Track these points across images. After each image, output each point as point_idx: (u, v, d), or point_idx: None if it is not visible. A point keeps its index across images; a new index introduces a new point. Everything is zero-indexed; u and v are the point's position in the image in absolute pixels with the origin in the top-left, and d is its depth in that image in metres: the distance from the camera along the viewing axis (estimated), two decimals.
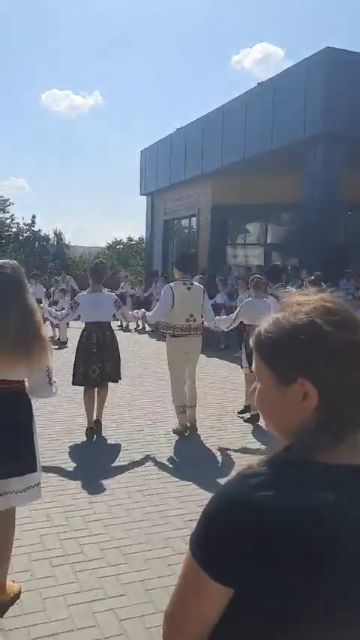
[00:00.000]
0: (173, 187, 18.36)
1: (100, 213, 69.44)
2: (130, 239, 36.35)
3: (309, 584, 0.80)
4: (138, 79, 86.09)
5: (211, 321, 5.88)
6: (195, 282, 5.80)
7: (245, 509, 0.81)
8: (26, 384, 2.70)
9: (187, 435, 5.60)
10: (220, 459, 4.98)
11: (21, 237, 28.69)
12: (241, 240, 17.67)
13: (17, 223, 29.05)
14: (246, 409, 6.29)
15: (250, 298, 6.27)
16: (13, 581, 2.84)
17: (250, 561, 0.80)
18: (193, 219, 17.83)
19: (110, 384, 5.70)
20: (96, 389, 5.55)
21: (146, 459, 4.91)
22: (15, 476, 2.60)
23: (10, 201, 29.75)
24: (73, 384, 5.54)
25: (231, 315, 6.18)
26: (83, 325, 5.58)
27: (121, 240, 36.91)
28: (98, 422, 5.55)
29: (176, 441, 5.42)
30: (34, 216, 28.96)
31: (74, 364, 5.48)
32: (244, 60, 61.69)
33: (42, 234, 29.63)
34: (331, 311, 0.88)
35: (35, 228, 29.10)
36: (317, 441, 0.85)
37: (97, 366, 5.37)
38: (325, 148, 11.17)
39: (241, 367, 6.53)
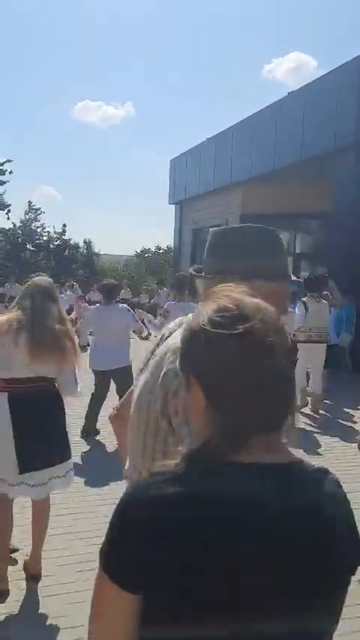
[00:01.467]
0: (202, 196, 18.42)
1: (130, 221, 70.16)
2: (158, 247, 36.62)
3: (218, 577, 0.78)
4: (170, 90, 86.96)
5: None
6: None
7: (149, 505, 0.81)
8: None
9: None
10: None
11: (52, 246, 29.16)
12: None
13: (48, 232, 29.56)
14: None
15: None
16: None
17: (157, 558, 0.79)
18: None
19: None
20: None
21: None
22: (59, 463, 2.94)
23: (42, 210, 30.31)
24: None
25: None
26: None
27: (149, 248, 37.24)
28: None
29: None
30: (64, 225, 29.41)
31: None
32: (275, 70, 61.61)
33: (72, 242, 30.08)
34: (221, 309, 0.87)
35: (65, 237, 29.55)
36: (220, 442, 0.84)
37: None
38: (356, 157, 11.07)
39: None
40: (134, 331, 5.83)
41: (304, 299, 7.14)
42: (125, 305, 6.29)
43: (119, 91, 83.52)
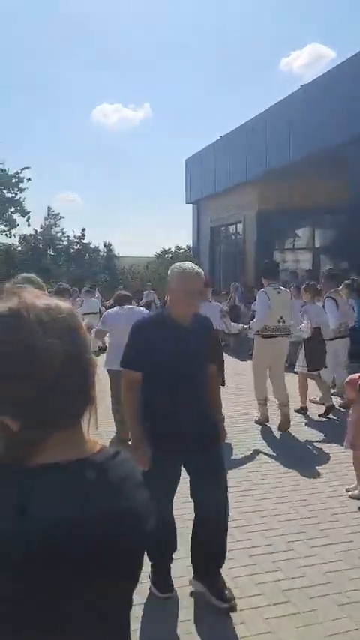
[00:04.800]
0: (218, 195, 18.35)
1: (149, 223, 70.32)
2: (178, 248, 36.59)
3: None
4: (187, 89, 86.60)
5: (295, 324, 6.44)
6: (282, 287, 6.37)
7: None
8: None
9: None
10: (257, 461, 4.90)
11: (72, 250, 29.40)
12: (290, 244, 17.43)
13: (68, 237, 29.80)
14: (303, 410, 6.75)
15: (309, 304, 6.85)
16: None
17: None
18: (240, 225, 17.75)
19: None
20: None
21: None
22: None
23: (61, 215, 30.58)
24: None
25: (306, 323, 6.64)
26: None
27: (169, 249, 37.23)
28: None
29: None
30: (83, 229, 29.59)
31: None
32: (293, 63, 60.46)
33: (92, 246, 30.25)
34: (10, 313, 0.88)
35: (85, 241, 29.74)
36: (15, 443, 0.86)
37: None
38: None
39: (297, 367, 6.84)
40: None
41: (332, 295, 7.04)
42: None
43: (136, 93, 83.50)
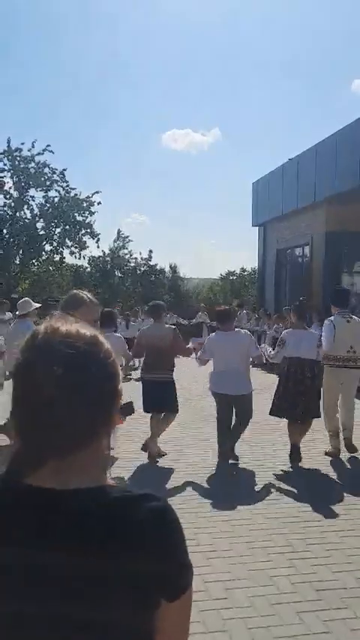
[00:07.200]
0: (285, 217, 18.23)
1: (215, 245, 70.89)
2: (243, 270, 36.58)
3: None
4: (256, 113, 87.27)
5: None
6: (354, 316, 6.06)
7: None
8: None
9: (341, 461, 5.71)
10: (325, 494, 4.73)
11: (139, 271, 30.01)
12: (359, 267, 16.98)
13: (135, 258, 30.46)
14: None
15: None
16: None
17: None
18: (307, 247, 17.52)
19: None
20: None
21: (250, 494, 4.80)
22: None
23: (130, 237, 31.34)
24: (270, 413, 5.88)
25: None
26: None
27: (234, 271, 37.31)
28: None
29: (284, 477, 5.26)
30: (150, 251, 30.17)
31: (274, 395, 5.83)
32: None
33: (158, 267, 30.76)
34: (31, 335, 0.92)
35: (152, 262, 30.29)
36: (16, 463, 0.90)
37: (301, 400, 5.58)
38: None
39: None
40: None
41: None
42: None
43: (206, 118, 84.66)
